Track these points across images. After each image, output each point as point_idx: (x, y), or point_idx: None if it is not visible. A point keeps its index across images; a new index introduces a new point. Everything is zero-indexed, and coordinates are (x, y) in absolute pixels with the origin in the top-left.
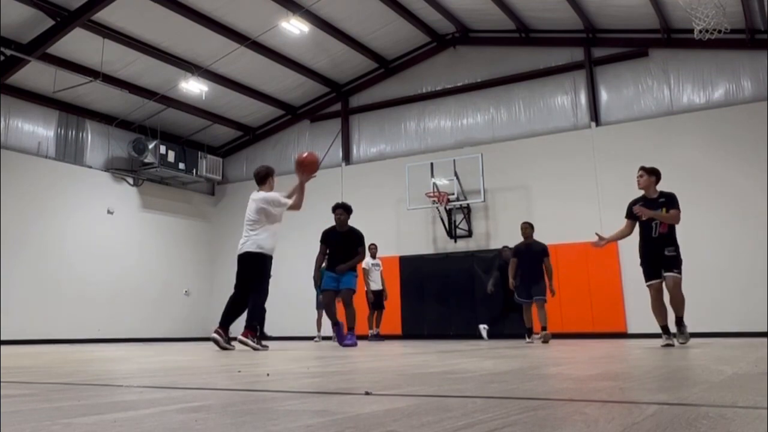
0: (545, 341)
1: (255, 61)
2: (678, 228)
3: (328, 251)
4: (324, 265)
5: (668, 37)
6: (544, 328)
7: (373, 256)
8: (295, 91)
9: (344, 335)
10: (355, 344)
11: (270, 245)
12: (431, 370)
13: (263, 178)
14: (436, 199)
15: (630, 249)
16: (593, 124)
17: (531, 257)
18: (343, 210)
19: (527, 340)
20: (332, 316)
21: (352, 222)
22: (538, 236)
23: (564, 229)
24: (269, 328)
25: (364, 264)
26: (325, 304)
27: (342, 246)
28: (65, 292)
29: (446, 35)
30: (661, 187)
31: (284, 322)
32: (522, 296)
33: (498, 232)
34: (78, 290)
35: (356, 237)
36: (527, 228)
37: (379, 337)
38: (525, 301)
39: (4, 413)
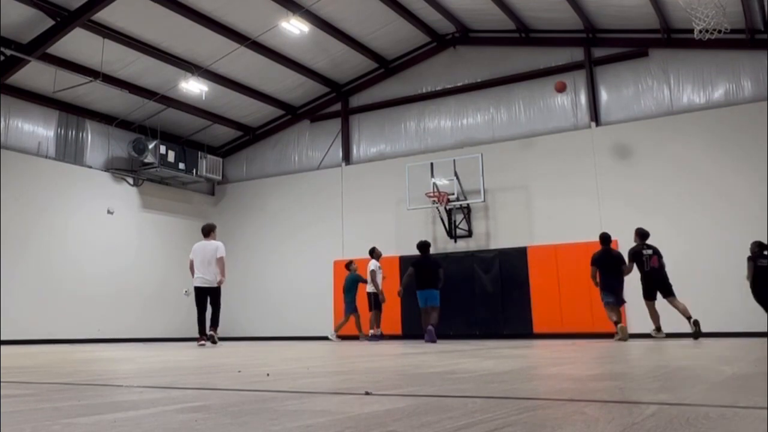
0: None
1: (255, 61)
2: (678, 227)
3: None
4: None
5: (668, 37)
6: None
7: (378, 259)
8: (295, 91)
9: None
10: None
11: None
12: (431, 370)
13: (209, 231)
14: (436, 199)
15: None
16: (593, 124)
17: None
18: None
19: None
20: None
21: (352, 223)
22: (538, 236)
23: (564, 229)
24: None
25: (373, 266)
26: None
27: (426, 270)
28: (65, 292)
29: (446, 35)
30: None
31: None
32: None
33: (498, 232)
34: (78, 290)
35: (436, 263)
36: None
37: (381, 337)
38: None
39: (4, 413)
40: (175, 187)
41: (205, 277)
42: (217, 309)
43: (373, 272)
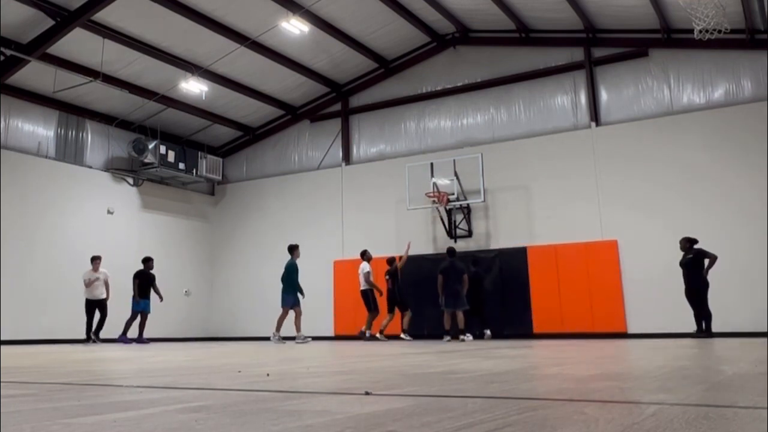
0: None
1: (255, 61)
2: (678, 227)
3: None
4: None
5: (668, 37)
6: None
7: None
8: (295, 91)
9: None
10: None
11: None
12: (431, 370)
13: (95, 260)
14: (436, 199)
15: (630, 249)
16: (593, 124)
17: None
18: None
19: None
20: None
21: (352, 223)
22: (539, 236)
23: (564, 229)
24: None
25: (368, 268)
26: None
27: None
28: (65, 292)
29: (446, 35)
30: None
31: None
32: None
33: (498, 232)
34: (78, 290)
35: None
36: None
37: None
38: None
39: (4, 413)
40: (175, 187)
41: (101, 291)
42: (104, 317)
43: (368, 273)
